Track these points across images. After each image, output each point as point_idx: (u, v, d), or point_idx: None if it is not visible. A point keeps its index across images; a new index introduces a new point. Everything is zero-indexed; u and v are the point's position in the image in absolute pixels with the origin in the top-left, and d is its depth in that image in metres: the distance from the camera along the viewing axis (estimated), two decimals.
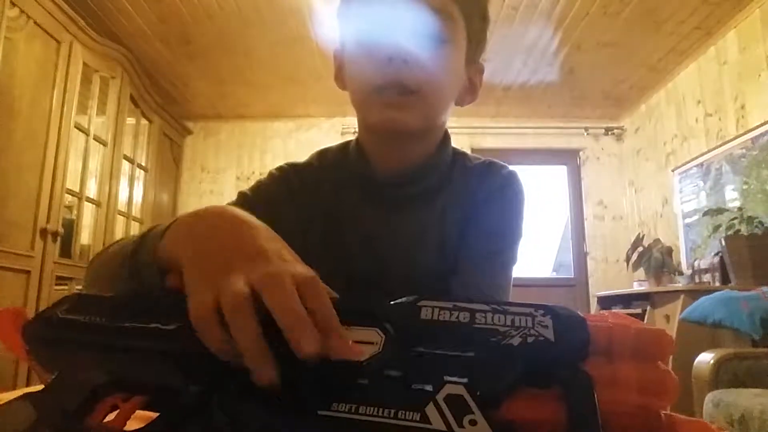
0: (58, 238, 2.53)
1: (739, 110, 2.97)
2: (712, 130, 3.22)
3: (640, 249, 3.59)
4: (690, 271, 3.21)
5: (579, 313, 0.28)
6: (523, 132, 4.40)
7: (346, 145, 0.75)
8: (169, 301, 0.32)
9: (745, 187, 2.91)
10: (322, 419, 0.26)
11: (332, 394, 0.27)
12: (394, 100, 0.60)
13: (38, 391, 0.31)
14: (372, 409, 0.26)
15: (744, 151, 2.93)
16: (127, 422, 0.31)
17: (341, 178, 0.71)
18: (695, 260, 3.18)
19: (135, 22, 3.07)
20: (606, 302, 3.58)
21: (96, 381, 0.30)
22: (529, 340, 0.27)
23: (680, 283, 3.22)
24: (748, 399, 1.47)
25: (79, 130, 2.80)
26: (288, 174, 0.71)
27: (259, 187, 0.71)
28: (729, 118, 3.07)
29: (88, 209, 2.99)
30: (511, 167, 0.73)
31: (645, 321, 2.94)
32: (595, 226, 4.34)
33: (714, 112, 3.21)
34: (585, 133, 4.41)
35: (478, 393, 0.26)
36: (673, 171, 3.64)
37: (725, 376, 1.70)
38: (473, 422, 0.25)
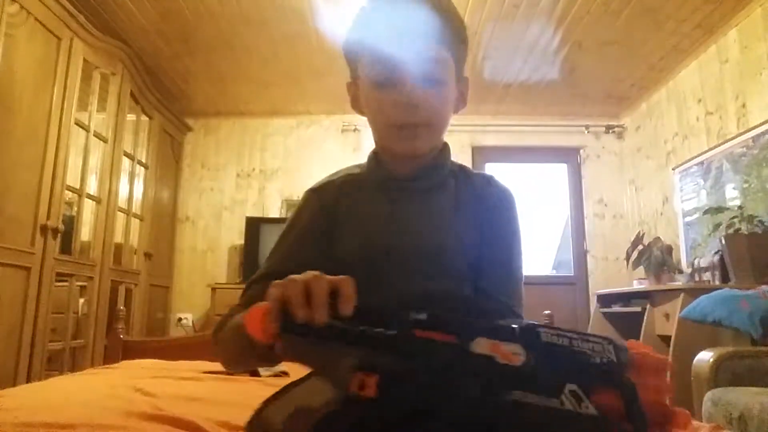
0: (59, 235, 2.54)
1: (740, 109, 2.97)
2: (713, 128, 3.22)
3: (640, 247, 3.59)
4: (690, 270, 3.21)
5: (625, 343, 0.45)
6: (524, 130, 4.40)
7: (361, 164, 0.90)
8: (387, 316, 0.48)
9: (745, 185, 2.92)
10: (510, 401, 0.43)
11: (505, 384, 0.43)
12: (411, 133, 0.76)
13: (319, 373, 0.48)
14: (532, 395, 0.42)
15: (744, 149, 2.93)
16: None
17: (361, 180, 0.86)
18: (695, 259, 3.19)
19: (135, 18, 3.07)
20: (606, 301, 3.58)
21: (349, 363, 0.46)
22: (603, 359, 0.44)
23: (680, 282, 3.23)
24: (748, 397, 1.48)
25: (80, 126, 2.80)
26: (310, 197, 0.86)
27: (290, 224, 0.86)
28: (730, 116, 3.07)
29: (88, 206, 2.99)
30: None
31: (645, 319, 2.95)
32: (596, 224, 4.35)
33: (715, 111, 3.21)
34: (585, 131, 4.41)
35: (583, 389, 0.42)
36: (673, 169, 3.64)
37: (724, 374, 1.70)
38: (586, 406, 0.42)
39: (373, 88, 0.78)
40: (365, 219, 0.81)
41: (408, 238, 0.78)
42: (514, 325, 0.46)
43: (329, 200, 0.84)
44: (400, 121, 0.75)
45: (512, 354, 0.43)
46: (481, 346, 0.44)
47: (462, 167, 0.89)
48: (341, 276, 0.48)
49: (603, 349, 0.43)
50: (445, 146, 0.86)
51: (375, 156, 0.86)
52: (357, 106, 0.85)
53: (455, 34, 0.79)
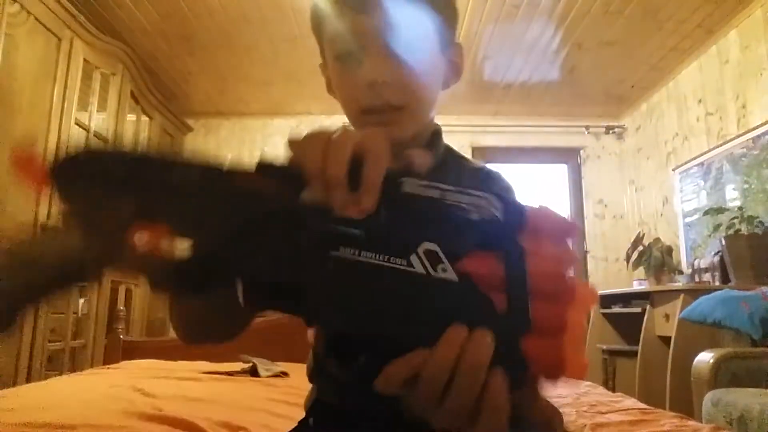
0: None
1: (740, 109, 2.97)
2: (713, 129, 3.22)
3: (641, 248, 3.59)
4: (690, 271, 3.21)
5: (521, 202, 0.37)
6: (524, 130, 4.39)
7: None
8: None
9: (745, 186, 2.91)
10: (333, 258, 0.34)
11: (338, 240, 0.34)
12: (383, 119, 0.62)
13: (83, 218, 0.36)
14: (370, 254, 0.34)
15: (745, 150, 2.92)
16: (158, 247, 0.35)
17: None
18: (695, 259, 3.18)
19: (136, 18, 3.07)
20: (606, 301, 3.58)
21: (128, 209, 0.35)
22: (484, 216, 0.35)
23: (680, 283, 3.22)
24: (748, 398, 1.48)
25: (80, 126, 2.80)
26: None
27: None
28: (730, 117, 3.06)
29: None
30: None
31: (645, 320, 2.95)
32: (596, 224, 4.35)
33: (715, 111, 3.21)
34: (586, 132, 4.41)
35: (446, 250, 0.34)
36: (673, 170, 3.64)
37: (725, 375, 1.70)
38: (444, 269, 0.34)
39: (336, 67, 0.65)
40: None
41: None
42: None
43: None
44: (364, 105, 0.62)
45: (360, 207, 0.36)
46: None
47: (461, 158, 0.76)
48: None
49: (488, 203, 0.35)
50: (436, 133, 0.72)
51: None
52: (331, 90, 0.72)
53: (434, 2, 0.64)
